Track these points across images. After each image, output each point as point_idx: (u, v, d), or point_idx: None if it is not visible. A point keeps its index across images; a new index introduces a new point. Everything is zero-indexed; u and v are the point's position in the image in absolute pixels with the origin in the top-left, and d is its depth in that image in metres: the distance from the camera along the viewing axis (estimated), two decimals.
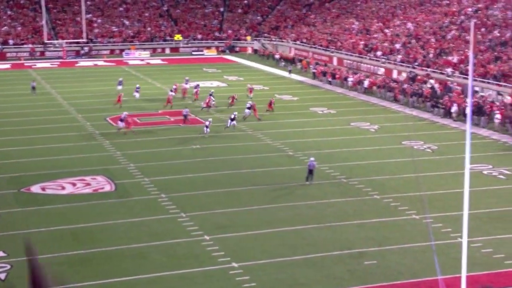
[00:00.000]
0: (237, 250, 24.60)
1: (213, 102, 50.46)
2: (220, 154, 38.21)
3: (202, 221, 27.39)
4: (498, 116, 44.55)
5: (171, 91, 53.82)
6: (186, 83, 57.97)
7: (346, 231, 26.69)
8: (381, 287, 21.98)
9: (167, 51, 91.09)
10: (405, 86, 55.10)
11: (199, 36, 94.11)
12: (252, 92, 54.99)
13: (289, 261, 23.78)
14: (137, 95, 54.73)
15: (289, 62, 75.74)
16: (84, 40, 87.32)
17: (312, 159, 32.86)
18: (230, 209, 29.04)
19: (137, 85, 56.35)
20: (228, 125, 43.50)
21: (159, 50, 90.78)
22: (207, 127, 41.99)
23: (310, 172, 32.29)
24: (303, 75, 69.53)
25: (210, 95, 51.46)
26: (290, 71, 70.01)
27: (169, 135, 42.97)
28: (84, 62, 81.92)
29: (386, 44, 69.61)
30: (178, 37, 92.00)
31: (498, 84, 51.32)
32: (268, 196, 30.92)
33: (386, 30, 74.47)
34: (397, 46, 67.69)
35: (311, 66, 70.65)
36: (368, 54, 68.98)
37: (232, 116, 43.92)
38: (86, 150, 39.19)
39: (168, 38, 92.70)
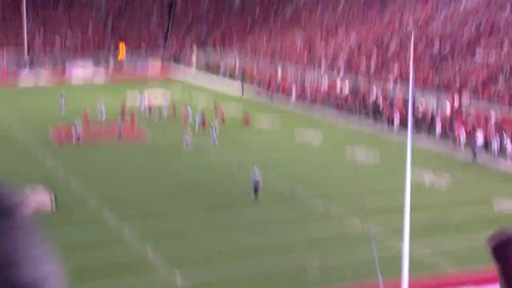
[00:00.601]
0: (178, 258, 24.53)
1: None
2: (168, 168, 38.04)
3: (144, 229, 27.26)
4: (439, 126, 45.38)
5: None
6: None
7: (290, 239, 26.85)
8: None
9: (111, 64, 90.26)
10: (349, 98, 55.75)
11: (144, 49, 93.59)
12: (218, 112, 52.89)
13: (231, 267, 23.80)
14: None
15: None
16: (25, 50, 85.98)
17: (255, 169, 32.65)
18: (173, 217, 28.93)
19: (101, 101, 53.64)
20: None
21: (103, 63, 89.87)
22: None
23: (256, 187, 31.78)
24: (248, 88, 69.38)
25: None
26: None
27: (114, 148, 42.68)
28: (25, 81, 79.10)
29: (329, 56, 70.33)
30: (121, 52, 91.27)
31: (438, 95, 52.31)
32: (210, 205, 30.93)
33: (330, 43, 75.28)
34: (341, 58, 68.47)
35: (255, 78, 70.71)
36: (312, 67, 69.57)
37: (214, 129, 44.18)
38: (23, 163, 38.58)
39: (111, 50, 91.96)
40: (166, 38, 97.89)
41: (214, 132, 43.87)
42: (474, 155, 40.31)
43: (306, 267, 23.96)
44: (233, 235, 27.08)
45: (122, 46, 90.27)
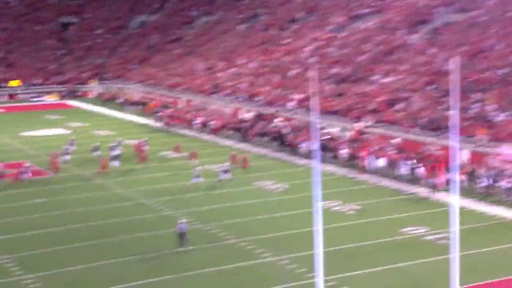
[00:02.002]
0: None
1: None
2: (68, 207, 36.67)
3: (50, 282, 25.91)
4: (344, 151, 45.74)
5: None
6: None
7: (202, 279, 26.13)
8: None
9: (5, 98, 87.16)
10: (252, 125, 55.65)
11: (39, 81, 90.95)
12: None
13: None
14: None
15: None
16: None
17: (183, 221, 30.27)
18: (79, 266, 27.64)
19: None
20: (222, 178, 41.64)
21: None
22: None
23: (181, 236, 29.46)
24: (149, 118, 68.21)
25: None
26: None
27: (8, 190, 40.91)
28: None
29: (230, 83, 70.24)
30: (15, 83, 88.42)
31: (341, 120, 52.89)
32: (119, 248, 29.83)
33: (231, 69, 75.28)
34: (242, 85, 68.47)
35: (156, 108, 69.60)
36: (215, 94, 69.28)
37: (225, 169, 42.13)
38: None
39: (3, 84, 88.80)
40: (60, 70, 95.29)
41: None
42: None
43: None
44: None
45: (14, 82, 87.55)
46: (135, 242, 30.62)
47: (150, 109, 71.27)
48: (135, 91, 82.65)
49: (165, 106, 70.10)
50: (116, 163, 45.83)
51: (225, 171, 41.86)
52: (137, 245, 30.04)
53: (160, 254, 28.80)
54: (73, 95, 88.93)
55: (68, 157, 47.62)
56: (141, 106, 74.13)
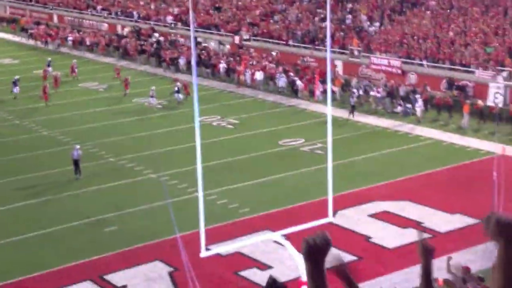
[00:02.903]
0: None
1: None
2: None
3: None
4: (222, 65, 45.80)
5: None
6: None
7: (83, 199, 26.07)
8: (123, 253, 21.81)
9: None
10: (130, 41, 54.63)
11: None
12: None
13: (24, 239, 22.71)
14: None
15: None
16: None
17: (77, 147, 28.89)
18: None
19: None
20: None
21: None
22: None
23: (76, 163, 28.17)
24: (19, 35, 65.30)
25: None
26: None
27: None
28: None
29: None
30: None
31: (219, 34, 52.71)
32: None
33: None
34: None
35: (28, 25, 66.75)
36: (89, 10, 67.12)
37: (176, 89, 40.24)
38: None
39: None
40: None
41: None
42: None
43: (104, 230, 23.43)
44: None
45: None
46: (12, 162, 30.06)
47: (21, 26, 68.19)
48: (2, 6, 78.70)
49: (38, 23, 67.37)
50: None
51: (177, 92, 40.35)
52: (14, 167, 29.52)
53: (38, 175, 28.44)
54: None
55: None
56: (11, 23, 70.70)
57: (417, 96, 36.46)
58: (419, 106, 35.76)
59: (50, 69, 46.51)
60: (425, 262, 3.85)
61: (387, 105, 37.66)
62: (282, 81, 41.93)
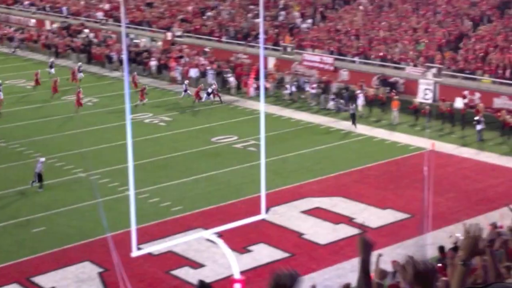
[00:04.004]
0: None
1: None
2: None
3: None
4: (154, 62, 45.28)
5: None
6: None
7: (11, 200, 25.36)
8: (51, 254, 21.29)
9: None
10: (60, 37, 53.51)
11: None
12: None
13: None
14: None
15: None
16: None
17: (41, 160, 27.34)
18: None
19: None
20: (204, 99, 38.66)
21: None
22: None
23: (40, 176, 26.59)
24: None
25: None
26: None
27: None
28: None
29: None
30: None
31: (151, 30, 52.10)
32: None
33: None
34: None
35: None
36: (17, 5, 65.46)
37: (210, 90, 38.94)
38: None
39: None
40: None
41: None
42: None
43: (31, 231, 22.84)
44: None
45: None
46: None
47: None
48: None
49: None
50: None
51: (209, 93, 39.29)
52: None
53: None
54: None
55: None
56: None
57: (358, 92, 36.56)
58: (360, 102, 35.93)
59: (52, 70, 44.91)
60: (364, 256, 3.81)
61: (321, 101, 37.81)
62: (211, 78, 41.57)
